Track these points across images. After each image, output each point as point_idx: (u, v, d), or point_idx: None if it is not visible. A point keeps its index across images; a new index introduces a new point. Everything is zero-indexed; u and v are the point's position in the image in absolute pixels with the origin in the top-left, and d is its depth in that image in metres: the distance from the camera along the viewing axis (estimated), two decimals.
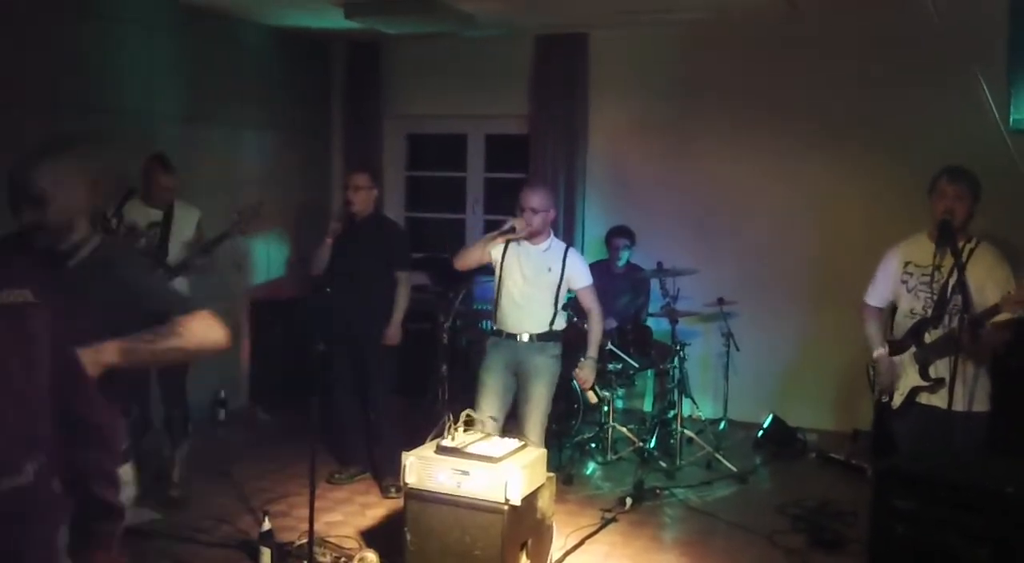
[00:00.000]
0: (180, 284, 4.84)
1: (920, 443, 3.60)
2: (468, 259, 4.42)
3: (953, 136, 5.41)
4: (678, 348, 5.55)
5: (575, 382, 4.70)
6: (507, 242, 4.36)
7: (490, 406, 4.33)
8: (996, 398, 3.60)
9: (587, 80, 6.74)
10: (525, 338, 4.34)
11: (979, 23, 5.31)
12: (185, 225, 4.88)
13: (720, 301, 5.91)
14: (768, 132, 6.34)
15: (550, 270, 4.32)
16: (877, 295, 3.87)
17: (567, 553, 4.13)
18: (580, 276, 4.41)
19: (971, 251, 3.53)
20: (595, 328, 4.44)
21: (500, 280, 4.39)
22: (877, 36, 5.92)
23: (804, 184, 6.28)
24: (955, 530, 2.77)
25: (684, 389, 5.62)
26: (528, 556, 3.58)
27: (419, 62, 7.29)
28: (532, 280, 4.32)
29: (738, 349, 6.01)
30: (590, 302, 4.44)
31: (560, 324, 4.43)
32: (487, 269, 4.55)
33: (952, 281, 3.48)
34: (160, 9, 5.83)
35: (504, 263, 4.35)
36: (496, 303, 4.43)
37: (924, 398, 3.63)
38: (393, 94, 7.44)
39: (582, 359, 4.45)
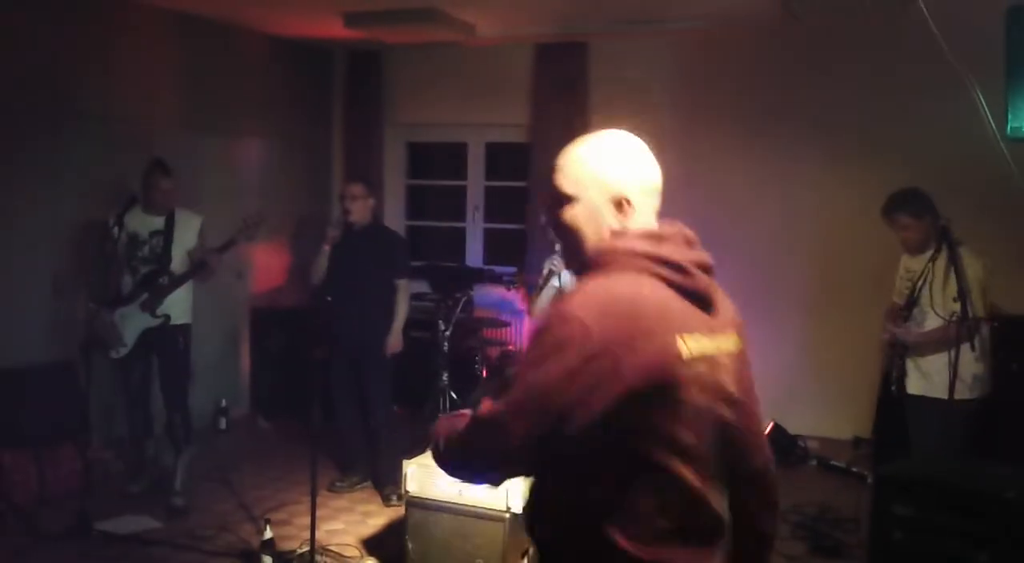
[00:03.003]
0: (184, 291, 4.86)
1: (914, 430, 3.96)
2: None
3: (950, 143, 5.42)
4: None
5: None
6: None
7: None
8: (995, 400, 3.85)
9: (587, 88, 6.76)
10: None
11: (976, 30, 5.32)
12: (187, 231, 4.87)
13: None
14: (767, 139, 6.34)
15: None
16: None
17: None
18: None
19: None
20: None
21: None
22: (874, 44, 5.94)
23: (803, 192, 6.28)
24: (955, 535, 2.78)
25: None
26: None
27: (419, 71, 7.30)
28: None
29: None
30: None
31: None
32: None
33: (919, 284, 3.98)
34: (161, 18, 5.86)
35: None
36: None
37: (913, 387, 3.98)
38: (393, 102, 7.45)
39: None
